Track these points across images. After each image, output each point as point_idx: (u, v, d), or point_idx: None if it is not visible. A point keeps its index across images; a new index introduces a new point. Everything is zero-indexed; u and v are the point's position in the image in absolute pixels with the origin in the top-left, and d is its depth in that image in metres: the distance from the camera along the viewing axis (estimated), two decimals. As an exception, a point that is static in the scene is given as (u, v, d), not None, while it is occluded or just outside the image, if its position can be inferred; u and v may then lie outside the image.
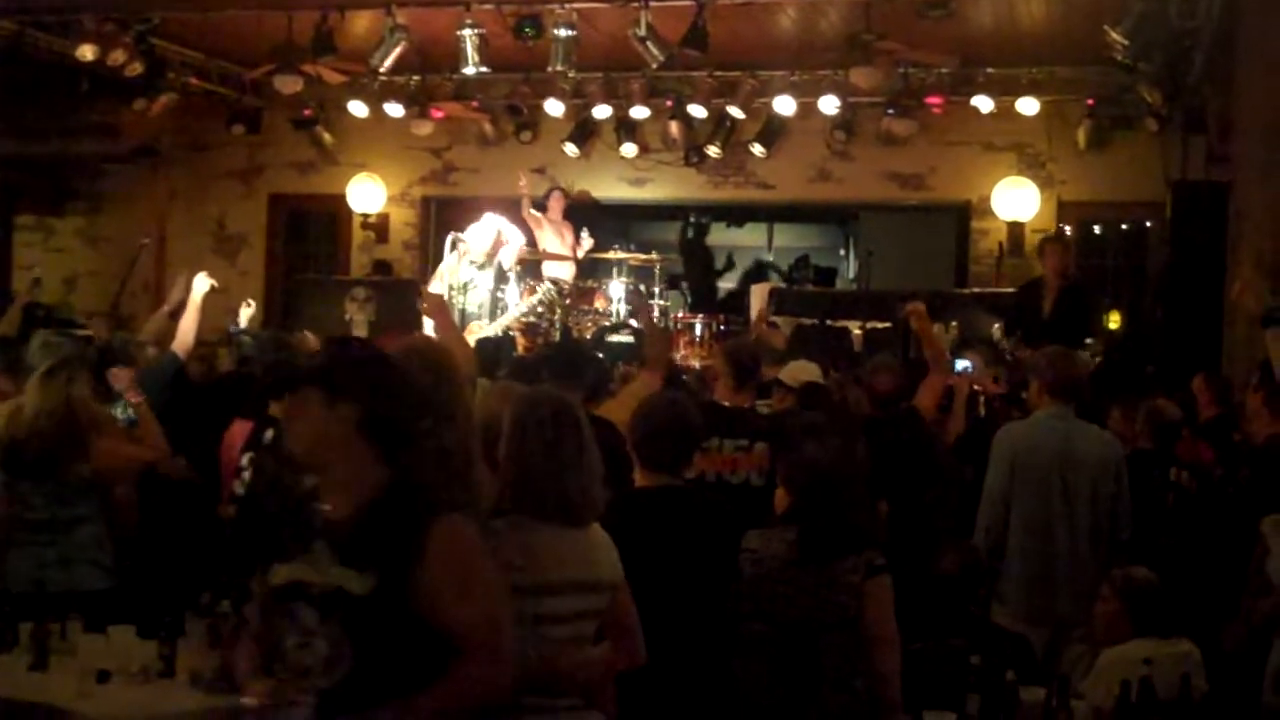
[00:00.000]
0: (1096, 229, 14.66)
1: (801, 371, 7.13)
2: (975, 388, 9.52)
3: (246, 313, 9.81)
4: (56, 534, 5.84)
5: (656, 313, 12.69)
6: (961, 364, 8.84)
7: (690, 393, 6.91)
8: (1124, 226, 14.53)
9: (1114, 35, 11.00)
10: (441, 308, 7.02)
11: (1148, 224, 13.97)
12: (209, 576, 5.00)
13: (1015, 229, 14.36)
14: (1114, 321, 13.71)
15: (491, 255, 11.65)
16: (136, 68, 12.81)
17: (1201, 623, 5.67)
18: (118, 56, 12.46)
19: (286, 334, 8.46)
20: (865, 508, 5.03)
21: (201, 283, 8.26)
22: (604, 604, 3.88)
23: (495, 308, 11.73)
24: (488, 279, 11.64)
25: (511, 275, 11.85)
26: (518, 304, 11.72)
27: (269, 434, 5.92)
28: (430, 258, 12.61)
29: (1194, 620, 5.45)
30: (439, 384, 3.57)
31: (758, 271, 17.22)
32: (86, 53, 12.17)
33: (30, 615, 4.89)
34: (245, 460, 6.08)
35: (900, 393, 7.37)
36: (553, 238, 13.36)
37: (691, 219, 17.35)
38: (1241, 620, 5.95)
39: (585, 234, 13.41)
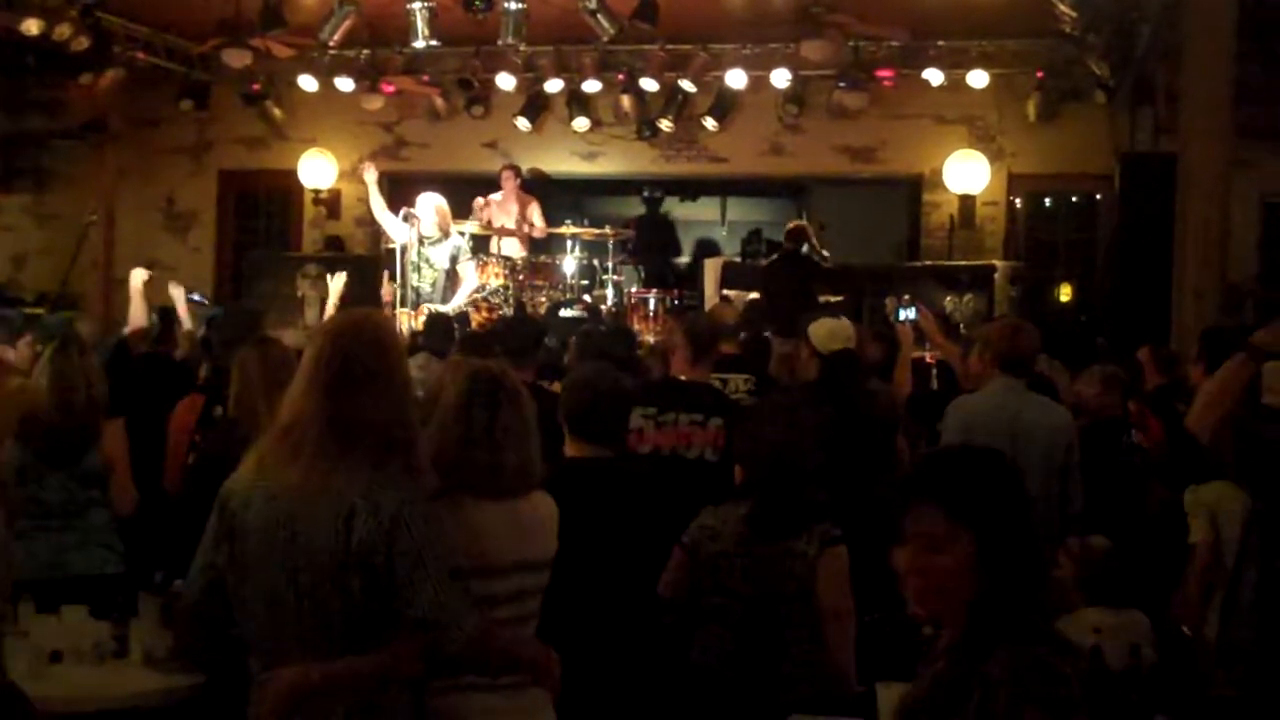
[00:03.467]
0: (1046, 201, 14.73)
1: (833, 339, 6.67)
2: (928, 359, 9.61)
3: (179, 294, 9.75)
4: (72, 518, 5.75)
5: (610, 287, 12.69)
6: (905, 313, 8.87)
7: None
8: (1074, 199, 14.61)
9: (1062, 8, 11.07)
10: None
11: (1097, 196, 14.05)
12: (161, 555, 4.98)
13: (966, 202, 14.43)
14: (1065, 294, 13.81)
15: (443, 229, 11.59)
16: (83, 42, 12.68)
17: (1154, 592, 5.74)
18: (63, 31, 12.34)
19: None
20: (819, 483, 5.03)
21: (139, 274, 8.33)
22: (545, 581, 3.90)
23: (449, 284, 11.68)
24: (442, 257, 11.59)
25: (464, 253, 11.80)
26: (474, 281, 11.68)
27: (218, 410, 5.93)
28: (382, 234, 12.55)
29: (1147, 590, 5.51)
30: (382, 357, 3.57)
31: (707, 246, 17.23)
32: (31, 27, 12.03)
33: (52, 600, 4.82)
34: (200, 435, 6.07)
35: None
36: (504, 215, 13.31)
37: (645, 193, 17.33)
38: (1186, 590, 6.04)
39: (537, 213, 13.38)
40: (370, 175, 12.18)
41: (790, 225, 12.58)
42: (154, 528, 5.92)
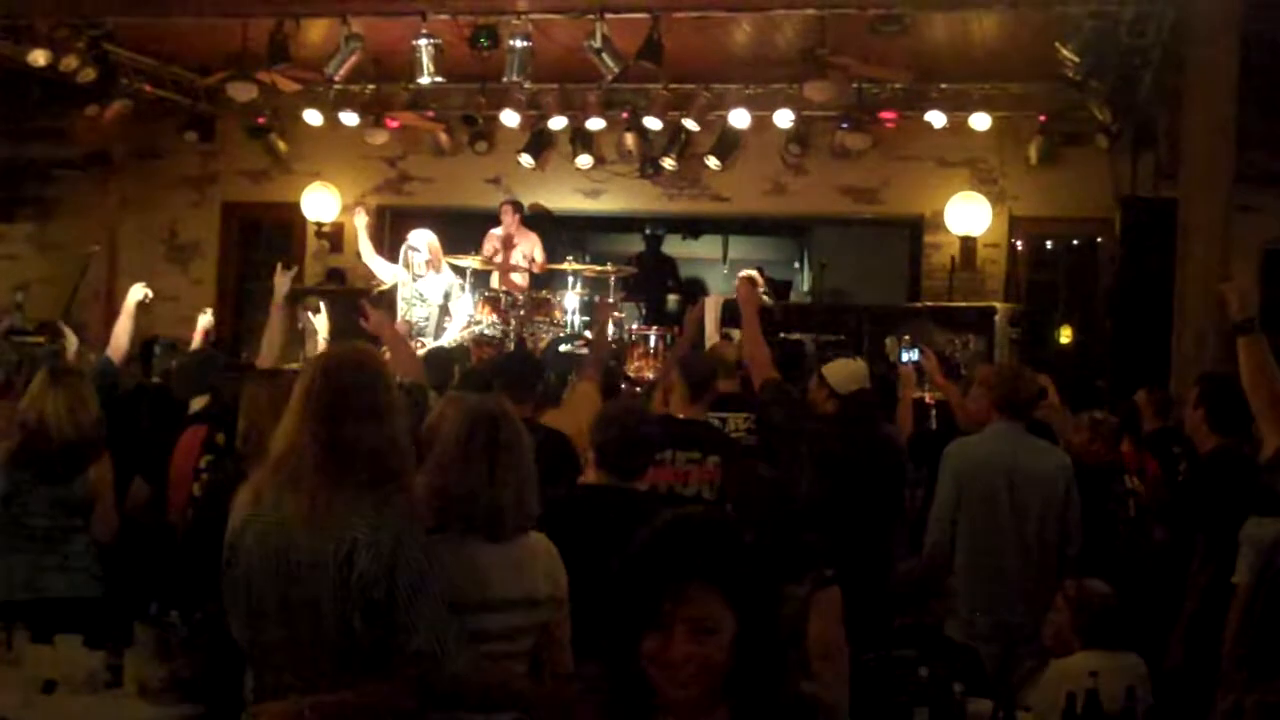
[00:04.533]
0: (1048, 244, 14.76)
1: (851, 379, 6.63)
2: (928, 399, 9.62)
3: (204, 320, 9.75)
4: (55, 542, 5.77)
5: (611, 323, 12.69)
6: (908, 354, 8.89)
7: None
8: (1074, 242, 14.62)
9: (1065, 52, 11.10)
10: (384, 322, 7.01)
11: (1098, 239, 14.07)
12: (156, 585, 4.98)
13: (967, 243, 14.45)
14: (1065, 336, 13.82)
15: (434, 266, 11.63)
16: (89, 74, 12.74)
17: (1151, 636, 5.73)
18: (70, 62, 12.39)
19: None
20: (813, 527, 5.03)
21: (136, 292, 8.28)
22: (542, 619, 3.89)
23: (441, 320, 11.71)
24: (436, 293, 11.61)
25: (464, 288, 11.82)
26: (468, 315, 11.70)
27: (219, 438, 5.94)
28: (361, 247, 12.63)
29: (1143, 633, 5.50)
30: (376, 388, 3.58)
31: (695, 285, 17.27)
32: (39, 58, 12.08)
33: (30, 622, 4.83)
34: (204, 463, 6.08)
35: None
36: (506, 250, 13.33)
37: (647, 231, 17.37)
38: (1180, 633, 6.02)
39: (538, 248, 13.41)
40: (360, 220, 12.21)
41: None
42: (150, 558, 5.93)
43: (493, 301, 12.11)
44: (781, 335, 11.96)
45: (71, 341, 9.09)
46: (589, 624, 4.11)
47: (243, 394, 5.38)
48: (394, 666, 3.38)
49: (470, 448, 3.87)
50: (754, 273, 8.11)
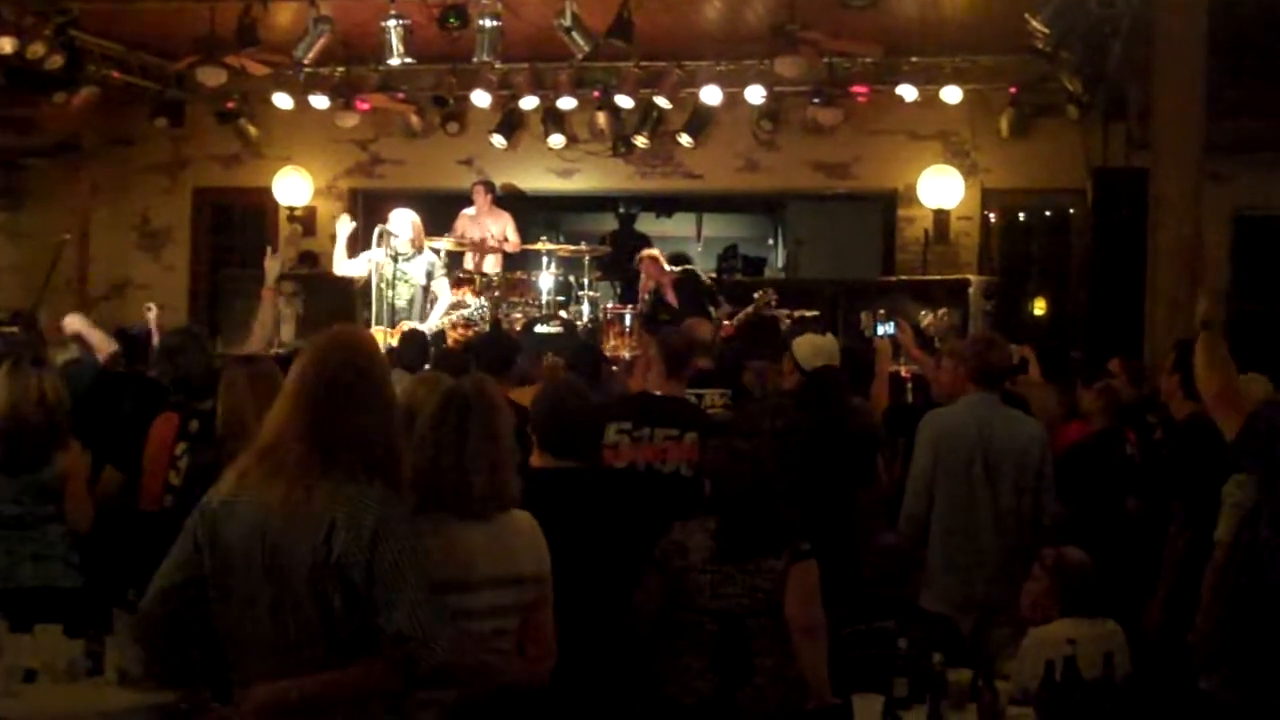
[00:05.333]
0: (1020, 216, 14.81)
1: (816, 355, 6.69)
2: (903, 373, 9.66)
3: (151, 316, 9.76)
4: (28, 529, 5.76)
5: (586, 302, 12.69)
6: (883, 328, 8.92)
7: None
8: (1047, 213, 14.69)
9: (1035, 24, 11.12)
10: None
11: (1070, 210, 14.12)
12: (136, 572, 4.96)
13: (941, 217, 14.48)
14: (1039, 307, 13.87)
15: (417, 245, 11.60)
16: (56, 61, 12.64)
17: (1128, 602, 5.77)
18: (37, 49, 12.30)
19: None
20: (789, 500, 5.06)
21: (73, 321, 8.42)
22: (527, 597, 3.90)
23: (425, 301, 11.67)
24: (418, 273, 11.58)
25: (446, 267, 11.81)
26: (449, 298, 11.67)
27: (194, 425, 5.94)
28: (359, 251, 12.52)
29: (1121, 600, 5.53)
30: (367, 374, 3.57)
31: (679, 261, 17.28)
32: (5, 45, 11.98)
33: (8, 612, 4.82)
34: (180, 450, 6.07)
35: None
36: (478, 230, 13.30)
37: (620, 209, 17.36)
38: (1158, 600, 6.07)
39: (512, 228, 13.39)
40: (344, 228, 12.02)
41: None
42: (128, 544, 5.91)
43: (467, 283, 12.09)
44: (756, 311, 11.99)
45: (66, 331, 9.01)
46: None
47: (221, 380, 5.39)
48: (377, 647, 3.39)
49: (442, 428, 3.87)
50: (655, 252, 8.12)
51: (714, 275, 14.49)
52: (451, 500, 3.82)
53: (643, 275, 12.96)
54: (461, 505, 3.82)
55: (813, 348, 6.70)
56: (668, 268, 12.96)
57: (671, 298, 12.60)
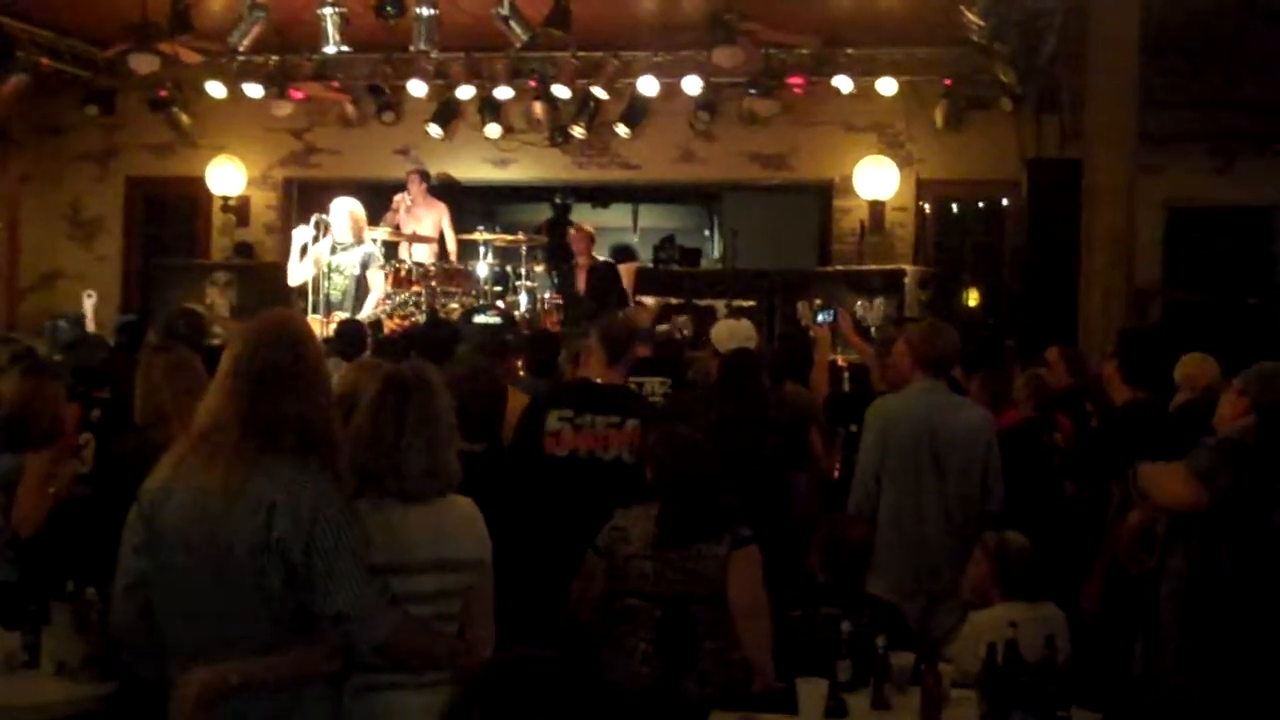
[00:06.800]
0: (954, 207, 14.92)
1: (731, 338, 6.86)
2: (840, 362, 9.71)
3: (89, 303, 9.65)
4: None
5: (524, 293, 12.67)
6: (823, 316, 8.96)
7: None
8: (981, 204, 14.80)
9: (970, 16, 11.23)
10: None
11: (1004, 201, 14.24)
12: (71, 563, 4.91)
13: (876, 207, 14.55)
14: (972, 298, 13.98)
15: (357, 236, 11.53)
16: (-16, 47, 12.47)
17: (1066, 586, 5.82)
18: (-35, 36, 12.13)
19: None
20: (729, 486, 5.08)
21: None
22: (468, 581, 3.89)
23: (359, 292, 11.60)
24: (353, 263, 11.51)
25: (376, 260, 11.73)
26: (382, 289, 11.60)
27: (94, 413, 5.91)
28: (292, 241, 12.42)
29: (1060, 584, 5.58)
30: (300, 358, 3.57)
31: (622, 252, 17.28)
32: (-68, 32, 11.81)
33: None
34: (83, 440, 6.03)
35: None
36: (413, 220, 13.24)
37: (556, 200, 17.33)
38: (1096, 583, 6.13)
39: (447, 219, 13.33)
40: (300, 238, 11.73)
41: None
42: (63, 536, 5.84)
43: (403, 275, 11.98)
44: (694, 302, 12.01)
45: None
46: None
47: (138, 369, 5.36)
48: (316, 630, 3.38)
49: (381, 412, 3.87)
50: (590, 229, 8.16)
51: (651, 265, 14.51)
52: (391, 483, 3.81)
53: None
54: (401, 488, 3.82)
55: (728, 331, 6.84)
56: (593, 254, 13.06)
57: (581, 283, 12.66)
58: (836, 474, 7.45)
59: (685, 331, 11.03)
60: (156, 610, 3.51)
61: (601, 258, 13.73)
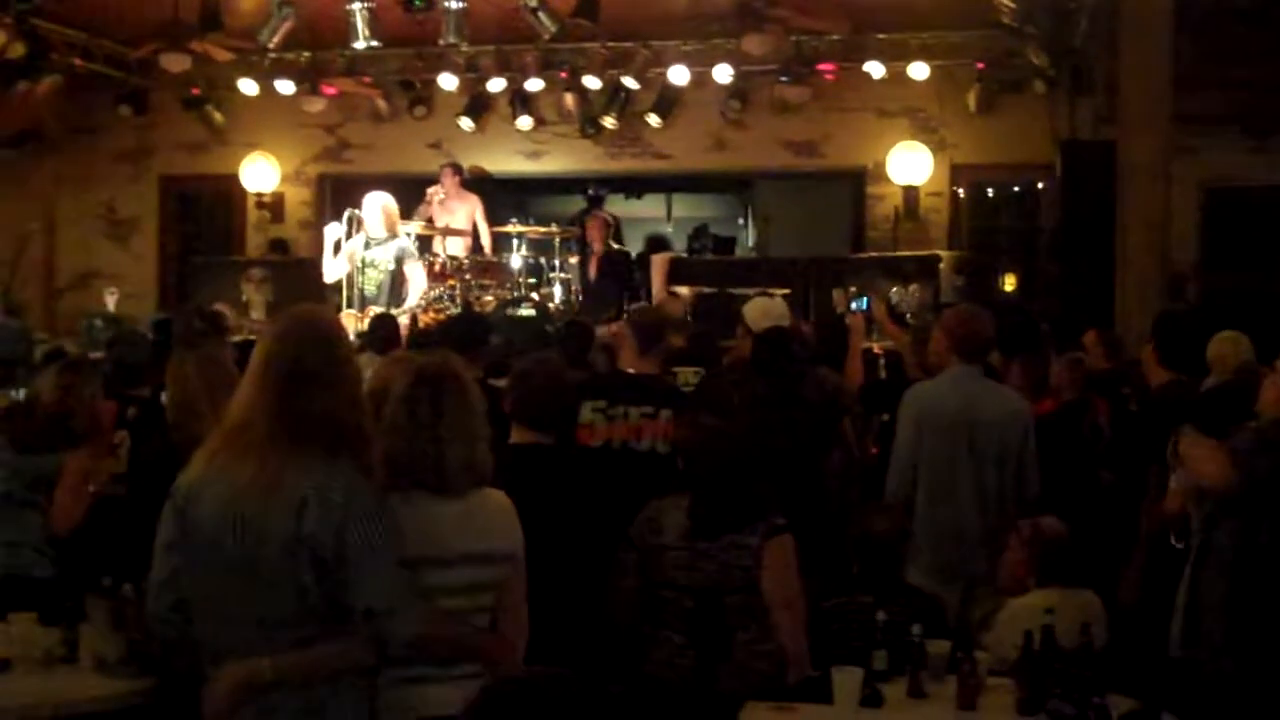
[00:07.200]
0: (989, 191, 14.84)
1: (765, 316, 6.89)
2: (875, 349, 9.66)
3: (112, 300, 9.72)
4: (5, 509, 5.72)
5: (559, 285, 12.67)
6: (857, 304, 8.93)
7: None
8: (1015, 188, 14.72)
9: (1001, -1, 11.15)
10: None
11: (1039, 184, 14.15)
12: (108, 559, 4.94)
13: (910, 193, 14.50)
14: (1009, 282, 13.90)
15: (390, 230, 11.55)
16: (18, 49, 12.54)
17: (1105, 572, 5.78)
18: (-1, 38, 12.20)
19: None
20: (763, 474, 5.05)
21: None
22: (502, 575, 3.89)
23: (394, 286, 11.62)
24: (387, 258, 11.53)
25: (411, 253, 11.74)
26: (425, 281, 11.61)
27: (131, 411, 5.94)
28: (324, 237, 12.46)
29: (1098, 570, 5.54)
30: (330, 353, 3.58)
31: (657, 242, 17.27)
32: (-35, 35, 11.89)
33: None
34: (118, 439, 6.06)
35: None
36: (446, 214, 13.25)
37: (589, 191, 17.33)
38: (1134, 569, 6.08)
39: (480, 213, 13.34)
40: (332, 234, 11.80)
41: None
42: (99, 532, 5.88)
43: (438, 269, 12.00)
44: (728, 291, 11.97)
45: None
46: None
47: (169, 367, 5.38)
48: (349, 624, 3.40)
49: (414, 406, 3.87)
50: (606, 215, 8.10)
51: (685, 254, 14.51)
52: (426, 476, 3.82)
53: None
54: (436, 481, 3.82)
55: (761, 310, 6.80)
56: (609, 242, 13.06)
57: (593, 271, 12.66)
58: (871, 460, 7.41)
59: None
60: (190, 605, 3.54)
61: (617, 246, 13.72)
